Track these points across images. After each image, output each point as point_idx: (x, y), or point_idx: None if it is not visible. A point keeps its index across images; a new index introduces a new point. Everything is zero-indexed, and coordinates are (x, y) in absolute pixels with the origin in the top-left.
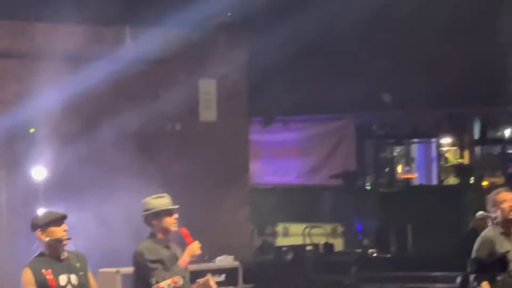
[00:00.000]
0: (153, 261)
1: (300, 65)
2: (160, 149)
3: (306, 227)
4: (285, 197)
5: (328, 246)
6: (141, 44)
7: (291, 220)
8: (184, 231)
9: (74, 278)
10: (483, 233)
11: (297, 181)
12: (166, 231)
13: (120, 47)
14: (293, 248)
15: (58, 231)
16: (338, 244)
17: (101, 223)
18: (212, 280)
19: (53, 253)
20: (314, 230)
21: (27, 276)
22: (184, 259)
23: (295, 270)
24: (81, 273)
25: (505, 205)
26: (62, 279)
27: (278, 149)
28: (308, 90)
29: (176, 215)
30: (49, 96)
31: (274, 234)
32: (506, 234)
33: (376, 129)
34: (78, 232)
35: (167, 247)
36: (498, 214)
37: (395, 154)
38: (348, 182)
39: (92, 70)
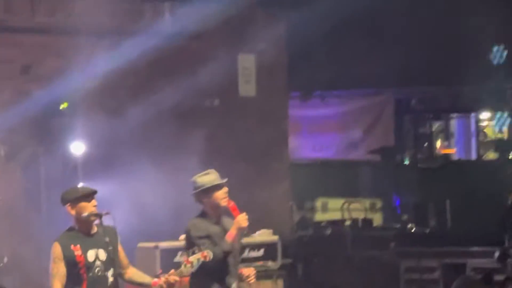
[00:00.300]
0: (200, 237)
1: (339, 39)
2: (199, 124)
3: (345, 202)
4: (324, 172)
5: (367, 221)
6: (179, 19)
7: (330, 195)
8: (231, 204)
9: (102, 254)
10: None
11: (336, 156)
12: (216, 206)
13: (159, 22)
14: (331, 223)
15: (88, 207)
16: (377, 219)
17: (140, 198)
18: (250, 275)
19: (83, 227)
20: (353, 205)
21: (56, 251)
22: (231, 233)
23: (333, 245)
24: (110, 247)
25: None
26: (91, 254)
27: (316, 124)
28: (346, 64)
29: (225, 189)
30: (87, 71)
31: (313, 209)
32: None
33: (415, 103)
34: (116, 207)
35: (218, 223)
36: None
37: (434, 129)
38: (387, 157)
39: (130, 45)
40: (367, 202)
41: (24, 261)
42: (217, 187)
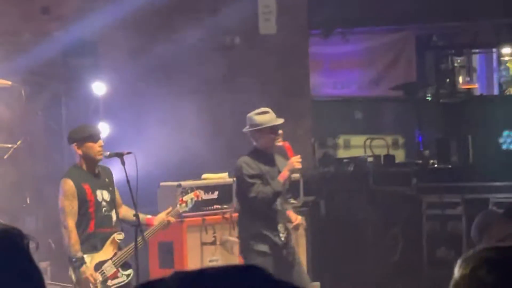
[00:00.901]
0: (251, 176)
1: None
2: (220, 63)
3: (367, 139)
4: (346, 109)
5: (389, 158)
6: None
7: (352, 132)
8: (287, 145)
9: (106, 194)
10: None
11: (358, 93)
12: (269, 147)
13: None
14: (354, 160)
15: (95, 147)
16: (399, 156)
17: (162, 138)
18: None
19: (89, 167)
20: (375, 142)
21: (69, 186)
22: (283, 174)
23: (356, 181)
24: (110, 188)
25: None
26: (98, 194)
27: (338, 61)
28: (367, 1)
29: (280, 131)
30: (108, 10)
31: (335, 146)
32: None
33: (436, 39)
34: (138, 146)
35: (270, 162)
36: None
37: (455, 64)
38: (409, 93)
39: None
40: (389, 139)
41: (46, 202)
42: (274, 128)
